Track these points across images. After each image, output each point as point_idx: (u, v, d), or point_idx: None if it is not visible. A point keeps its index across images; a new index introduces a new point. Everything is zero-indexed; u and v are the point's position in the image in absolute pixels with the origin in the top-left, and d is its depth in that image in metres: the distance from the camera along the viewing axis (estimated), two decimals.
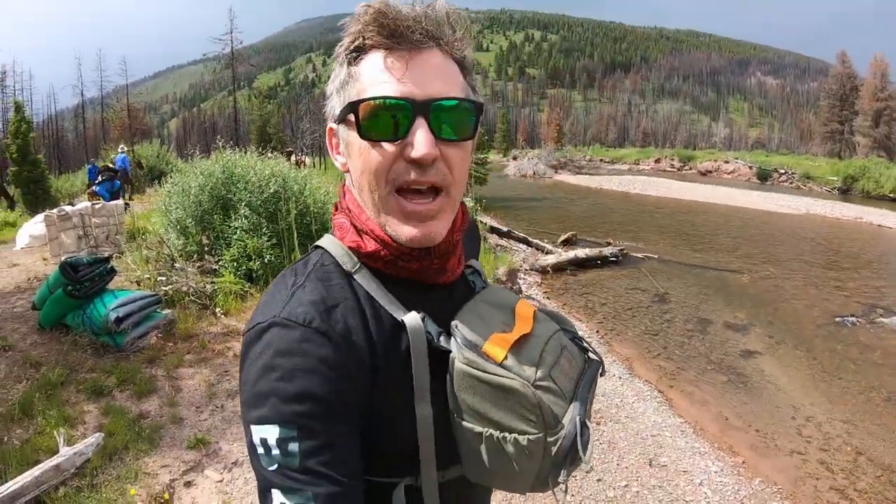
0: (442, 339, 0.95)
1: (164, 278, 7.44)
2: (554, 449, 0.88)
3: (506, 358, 0.89)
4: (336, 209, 1.05)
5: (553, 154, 58.27)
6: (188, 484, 3.93)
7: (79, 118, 63.97)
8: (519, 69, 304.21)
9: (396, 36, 0.88)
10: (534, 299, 9.70)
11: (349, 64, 0.92)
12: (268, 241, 7.95)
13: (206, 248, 7.97)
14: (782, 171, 47.20)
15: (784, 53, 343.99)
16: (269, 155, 10.13)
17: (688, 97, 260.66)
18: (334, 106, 0.96)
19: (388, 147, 0.89)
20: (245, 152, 9.74)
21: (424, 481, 0.94)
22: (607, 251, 13.95)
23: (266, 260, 7.85)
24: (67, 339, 5.94)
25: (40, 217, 10.96)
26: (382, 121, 0.88)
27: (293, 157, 18.44)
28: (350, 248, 0.98)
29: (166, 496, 3.70)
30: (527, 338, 0.94)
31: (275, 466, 0.79)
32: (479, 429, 0.90)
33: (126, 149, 21.36)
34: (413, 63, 0.88)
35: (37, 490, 3.56)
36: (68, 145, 65.29)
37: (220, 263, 7.87)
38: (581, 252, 13.61)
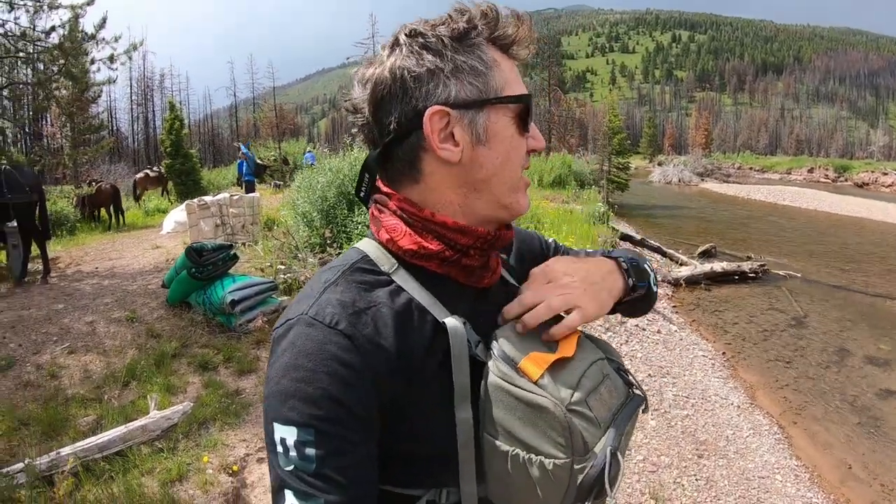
0: (479, 348, 0.93)
1: (283, 267, 7.75)
2: (580, 478, 0.83)
3: (541, 377, 0.86)
4: (377, 211, 1.00)
5: (700, 161, 56.51)
6: (260, 460, 4.08)
7: (232, 117, 68.65)
8: (666, 71, 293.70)
9: (523, 48, 0.97)
10: (660, 314, 9.27)
11: (478, 48, 0.92)
12: None
13: (328, 241, 8.25)
14: None
15: None
16: None
17: (844, 101, 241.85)
18: (455, 89, 0.90)
19: (524, 136, 0.97)
20: None
21: (463, 491, 0.92)
22: (746, 266, 13.08)
23: None
24: (187, 317, 6.41)
25: (184, 205, 11.76)
26: (528, 116, 0.95)
27: None
28: (409, 249, 0.94)
29: (235, 468, 3.87)
30: (567, 361, 0.90)
31: (291, 467, 0.78)
32: (505, 447, 0.87)
33: (310, 148, 22.72)
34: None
35: (122, 445, 3.90)
36: (222, 142, 70.17)
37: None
38: (718, 266, 12.88)
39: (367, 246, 0.99)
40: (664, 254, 14.29)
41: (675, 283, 11.88)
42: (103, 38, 10.67)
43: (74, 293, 7.49)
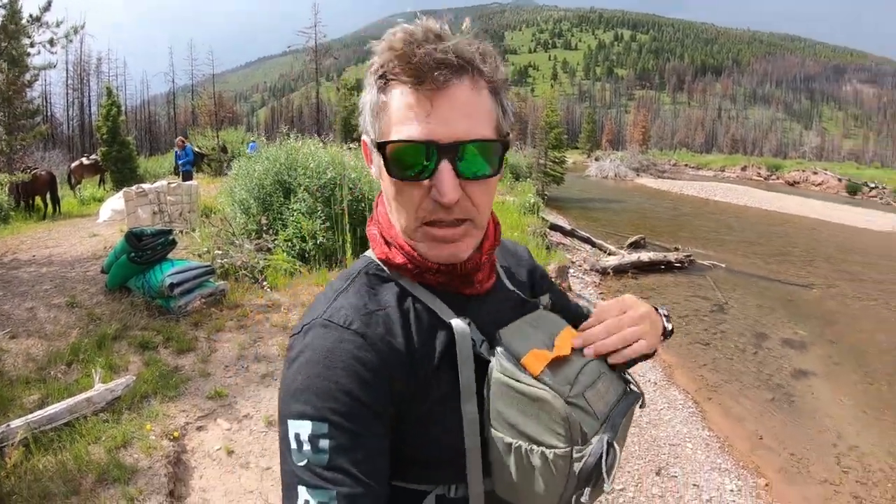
0: (483, 347, 0.97)
1: (220, 252, 7.89)
2: (578, 466, 0.87)
3: (542, 372, 0.90)
4: (370, 221, 1.08)
5: (636, 157, 57.35)
6: (200, 428, 4.30)
7: (170, 104, 66.96)
8: (607, 69, 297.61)
9: (422, 74, 0.86)
10: (585, 298, 9.67)
11: (378, 90, 0.92)
12: (322, 224, 8.37)
13: (264, 228, 8.41)
14: (873, 185, 44.60)
15: (882, 60, 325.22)
16: (352, 146, 10.66)
17: (780, 104, 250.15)
18: (367, 125, 0.96)
19: (414, 187, 0.90)
20: (324, 142, 10.37)
21: (471, 485, 0.95)
22: (673, 256, 13.68)
23: (318, 242, 8.29)
24: (127, 301, 6.52)
25: (121, 193, 11.67)
26: (408, 163, 0.89)
27: None
28: (380, 259, 1.02)
29: (176, 434, 4.10)
30: (565, 358, 0.94)
31: (304, 462, 0.81)
32: (509, 440, 0.91)
33: (253, 138, 22.42)
34: (438, 102, 0.87)
35: (69, 416, 4.06)
36: (160, 129, 68.19)
37: (275, 242, 8.36)
38: (645, 255, 13.43)
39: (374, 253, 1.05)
40: (593, 244, 14.75)
41: (603, 272, 12.38)
42: (46, 22, 10.51)
43: (13, 280, 7.46)
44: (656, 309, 1.10)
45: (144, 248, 6.45)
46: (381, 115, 0.91)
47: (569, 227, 15.37)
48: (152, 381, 4.72)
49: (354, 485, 0.80)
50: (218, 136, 27.53)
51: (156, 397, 4.56)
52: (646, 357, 1.02)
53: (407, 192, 0.91)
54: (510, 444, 0.90)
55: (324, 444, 0.81)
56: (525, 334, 0.98)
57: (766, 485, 5.09)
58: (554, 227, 14.83)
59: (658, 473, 4.91)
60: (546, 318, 1.07)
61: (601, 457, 0.86)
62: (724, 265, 14.23)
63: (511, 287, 1.14)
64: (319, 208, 8.55)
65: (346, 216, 8.32)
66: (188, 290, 6.42)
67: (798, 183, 51.14)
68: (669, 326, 1.12)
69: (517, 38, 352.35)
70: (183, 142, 17.91)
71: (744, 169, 62.69)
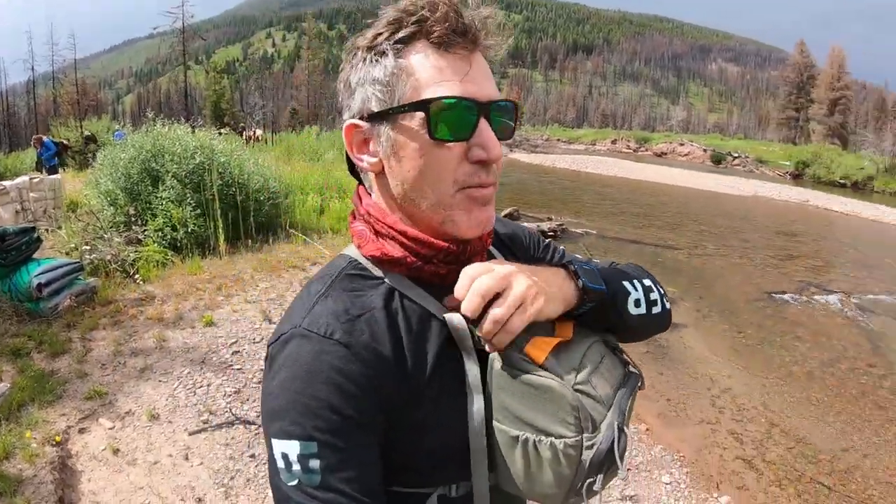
0: (482, 339, 0.91)
1: (88, 247, 7.57)
2: (590, 454, 0.84)
3: (546, 360, 0.87)
4: (353, 216, 1.03)
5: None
6: (82, 430, 4.17)
7: (30, 94, 62.24)
8: None
9: (451, 41, 0.86)
10: None
11: (395, 55, 0.88)
12: (192, 210, 8.20)
13: (133, 219, 8.12)
14: (736, 154, 48.04)
15: (745, 41, 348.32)
16: (223, 131, 10.37)
17: (648, 81, 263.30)
18: (366, 99, 0.91)
19: (456, 148, 0.88)
20: (193, 128, 10.01)
21: (475, 482, 0.92)
22: (546, 226, 14.10)
23: (190, 229, 8.12)
24: None
25: None
26: (454, 121, 0.86)
27: (245, 133, 18.34)
28: (371, 255, 0.96)
29: (58, 438, 3.96)
30: (567, 344, 0.91)
31: (295, 482, 0.78)
32: (514, 432, 0.88)
33: (118, 126, 21.24)
34: (469, 65, 0.88)
35: None
36: (20, 122, 63.40)
37: (145, 233, 8.10)
38: None
39: (355, 251, 1.00)
40: None
41: None
42: None
43: None
44: (567, 266, 0.99)
45: (8, 249, 6.07)
46: (404, 80, 0.88)
47: None
48: (28, 388, 4.51)
49: (349, 502, 0.78)
50: (82, 127, 25.93)
51: (34, 404, 4.36)
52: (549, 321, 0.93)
53: (443, 158, 0.88)
54: (516, 437, 0.87)
55: (314, 464, 0.78)
56: None
57: (647, 430, 5.38)
58: None
59: None
60: None
61: (613, 443, 0.85)
62: (595, 232, 14.87)
63: None
64: (189, 195, 8.35)
65: (217, 202, 8.19)
66: (57, 290, 6.12)
67: (666, 154, 53.94)
68: (599, 287, 0.97)
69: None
70: (40, 139, 16.93)
71: (614, 142, 65.34)
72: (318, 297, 0.90)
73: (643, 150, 58.86)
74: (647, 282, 1.10)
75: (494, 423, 0.90)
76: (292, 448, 0.79)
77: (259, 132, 38.25)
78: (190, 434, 4.23)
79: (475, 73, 0.88)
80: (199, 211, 8.23)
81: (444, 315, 0.91)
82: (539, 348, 0.88)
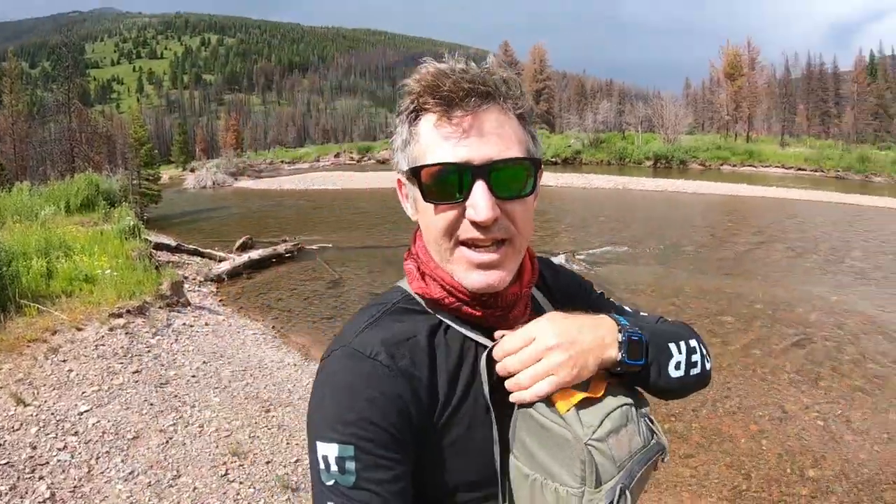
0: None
1: None
2: None
3: (568, 411, 0.91)
4: (407, 254, 1.11)
5: (232, 161, 56.97)
6: None
7: None
8: (195, 75, 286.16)
9: (452, 103, 0.92)
10: (207, 309, 9.60)
11: (409, 123, 0.99)
12: None
13: None
14: None
15: (455, 46, 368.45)
16: None
17: (365, 92, 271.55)
18: (399, 161, 1.03)
19: (451, 208, 0.94)
20: None
21: None
22: (282, 248, 14.22)
23: None
24: None
25: None
26: (443, 185, 0.93)
27: None
28: (417, 293, 1.05)
29: None
30: (593, 400, 0.95)
31: (332, 482, 0.86)
32: (526, 470, 0.94)
33: None
34: (470, 126, 0.93)
35: None
36: None
37: None
38: (255, 254, 13.72)
39: (409, 285, 1.08)
40: (202, 254, 14.67)
41: (218, 280, 12.32)
42: None
43: None
44: (618, 321, 1.02)
45: None
46: (413, 145, 0.98)
47: (174, 244, 14.93)
48: None
49: (380, 503, 0.86)
50: None
51: None
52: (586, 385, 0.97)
53: (443, 215, 0.95)
54: (527, 475, 0.94)
55: (350, 466, 0.86)
56: None
57: None
58: (159, 247, 14.25)
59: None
60: None
61: (612, 502, 0.88)
62: (330, 245, 15.24)
63: None
64: None
65: None
66: None
67: (388, 160, 55.48)
68: (640, 363, 1.00)
69: (99, 50, 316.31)
70: None
71: (337, 156, 66.52)
72: (369, 321, 0.99)
73: (367, 160, 60.58)
74: (693, 342, 1.13)
75: (511, 457, 0.97)
76: (332, 451, 0.87)
77: None
78: None
79: (476, 135, 0.93)
80: None
81: (482, 356, 0.99)
82: (565, 399, 0.93)
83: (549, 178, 29.78)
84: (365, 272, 12.35)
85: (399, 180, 1.07)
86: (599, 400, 0.95)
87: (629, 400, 0.98)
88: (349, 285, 11.44)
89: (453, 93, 0.92)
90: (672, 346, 1.07)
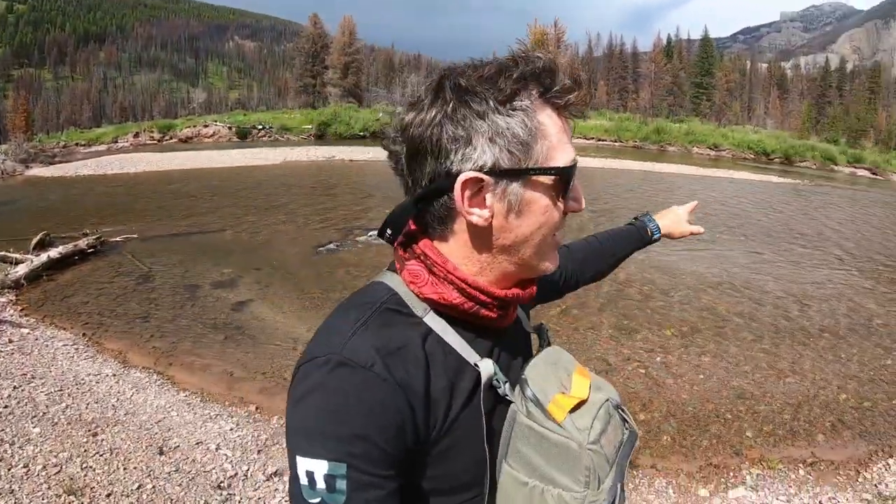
0: (507, 387, 0.99)
1: None
2: None
3: (565, 419, 0.92)
4: (402, 251, 0.99)
5: (23, 146, 51.36)
6: None
7: None
8: None
9: (571, 100, 0.93)
10: (8, 322, 8.54)
11: (533, 112, 0.89)
12: None
13: None
14: (261, 126, 50.00)
15: (261, 17, 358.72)
16: None
17: (167, 66, 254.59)
18: (497, 154, 0.88)
19: (561, 203, 0.94)
20: None
21: None
22: (83, 243, 12.89)
23: None
24: None
25: None
26: (568, 183, 0.93)
27: None
28: (428, 298, 0.95)
29: None
30: (583, 404, 0.96)
31: (317, 500, 0.80)
32: (524, 478, 0.93)
33: None
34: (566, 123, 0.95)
35: None
36: None
37: None
38: (55, 252, 12.25)
39: (397, 284, 0.98)
40: None
41: (18, 286, 11.02)
42: None
43: None
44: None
45: None
46: (541, 140, 0.90)
47: None
48: None
49: None
50: None
51: None
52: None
53: (558, 211, 0.94)
54: (525, 483, 0.93)
55: (341, 485, 0.80)
56: (546, 376, 1.00)
57: (256, 408, 5.71)
58: None
59: (161, 452, 4.84)
60: (559, 355, 1.08)
61: (614, 501, 0.92)
62: (136, 235, 14.08)
63: (525, 320, 1.21)
64: None
65: None
66: None
67: (192, 138, 53.04)
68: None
69: None
70: None
71: (136, 136, 61.59)
72: (358, 326, 0.89)
73: (168, 139, 56.93)
74: None
75: (507, 466, 0.96)
76: (319, 467, 0.80)
77: None
78: None
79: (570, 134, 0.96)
80: None
81: (479, 363, 0.95)
82: (560, 407, 0.94)
83: (356, 154, 29.96)
84: (177, 263, 11.56)
85: (474, 178, 0.88)
86: (587, 401, 0.98)
87: (606, 395, 1.02)
88: (161, 279, 10.63)
89: (570, 90, 0.92)
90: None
